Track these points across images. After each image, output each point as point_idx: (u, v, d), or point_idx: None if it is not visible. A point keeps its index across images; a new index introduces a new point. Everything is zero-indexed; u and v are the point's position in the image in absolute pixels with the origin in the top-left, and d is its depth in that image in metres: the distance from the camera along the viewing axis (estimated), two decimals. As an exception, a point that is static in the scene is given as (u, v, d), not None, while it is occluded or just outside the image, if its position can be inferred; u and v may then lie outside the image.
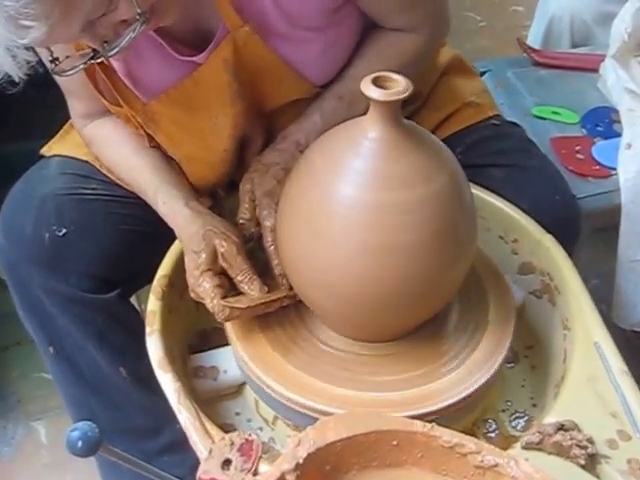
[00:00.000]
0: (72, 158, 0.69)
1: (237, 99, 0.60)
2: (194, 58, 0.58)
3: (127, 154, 0.65)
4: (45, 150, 0.72)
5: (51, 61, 0.52)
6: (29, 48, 0.46)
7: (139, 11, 0.48)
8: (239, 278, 0.55)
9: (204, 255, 0.55)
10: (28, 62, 0.46)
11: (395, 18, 0.62)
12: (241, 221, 0.58)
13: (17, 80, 0.46)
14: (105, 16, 0.48)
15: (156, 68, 0.60)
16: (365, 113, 0.54)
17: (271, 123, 0.65)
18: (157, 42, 0.58)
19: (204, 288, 0.54)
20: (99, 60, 0.51)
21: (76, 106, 0.67)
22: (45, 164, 0.70)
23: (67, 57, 0.53)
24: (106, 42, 0.49)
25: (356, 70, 0.62)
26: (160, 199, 0.62)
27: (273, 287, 0.56)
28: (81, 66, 0.52)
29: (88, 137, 0.68)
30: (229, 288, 0.55)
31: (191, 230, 0.58)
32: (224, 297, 0.54)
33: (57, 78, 0.62)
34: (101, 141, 0.67)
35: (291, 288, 0.55)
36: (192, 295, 0.56)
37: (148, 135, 0.65)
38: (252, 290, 0.55)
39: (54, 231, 0.63)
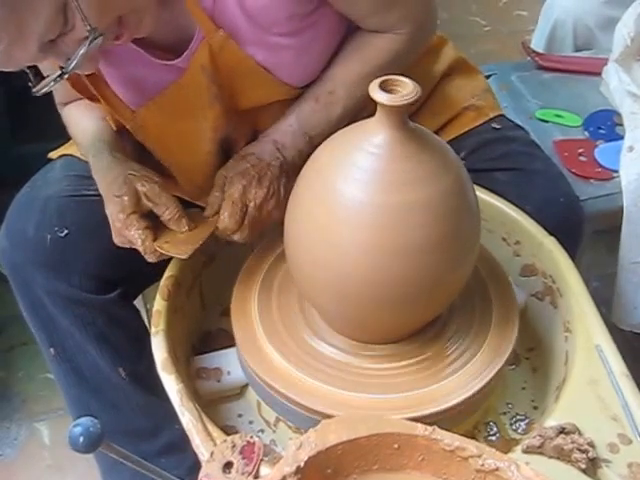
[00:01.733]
0: (76, 157, 0.70)
1: (215, 102, 0.60)
2: (174, 62, 0.59)
3: (85, 124, 0.66)
4: (52, 154, 0.73)
5: (30, 81, 0.53)
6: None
7: (88, 28, 0.48)
8: (166, 216, 0.56)
9: (126, 198, 0.56)
10: None
11: (371, 20, 0.62)
12: (211, 198, 0.59)
13: None
14: (65, 35, 0.48)
15: (142, 74, 0.60)
16: (343, 113, 0.57)
17: (254, 124, 0.66)
18: (138, 51, 0.58)
19: (133, 231, 0.55)
20: (65, 77, 0.52)
21: (57, 95, 0.69)
22: (50, 167, 0.71)
23: (47, 76, 0.53)
24: (69, 59, 0.50)
25: (333, 71, 0.63)
26: (92, 152, 0.63)
27: (200, 223, 0.57)
28: (52, 84, 0.52)
29: (64, 119, 0.70)
30: (156, 228, 0.56)
31: (111, 176, 0.59)
32: (154, 239, 0.55)
33: (42, 68, 0.64)
34: (72, 120, 0.68)
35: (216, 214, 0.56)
36: (117, 240, 0.57)
37: (138, 142, 0.65)
38: (180, 227, 0.56)
39: (56, 232, 0.64)
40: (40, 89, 0.53)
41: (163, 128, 0.63)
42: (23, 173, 0.72)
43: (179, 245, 0.55)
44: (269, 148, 0.61)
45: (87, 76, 0.60)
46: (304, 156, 0.62)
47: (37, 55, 0.48)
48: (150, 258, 0.55)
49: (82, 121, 0.67)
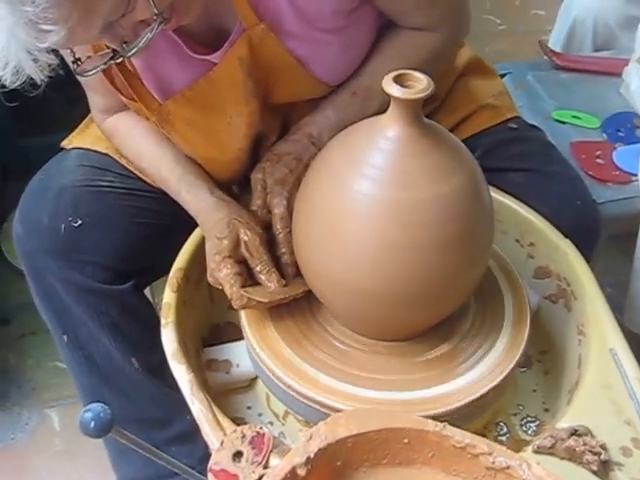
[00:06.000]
0: (91, 150, 0.70)
1: (251, 98, 0.60)
2: (209, 57, 0.59)
3: (149, 145, 0.66)
4: (65, 143, 0.73)
5: (73, 62, 0.53)
6: (51, 50, 0.46)
7: (156, 12, 0.48)
8: (258, 268, 0.56)
9: (227, 242, 0.56)
10: (49, 64, 0.46)
11: (413, 16, 0.62)
12: (254, 208, 0.59)
13: (39, 82, 0.47)
14: (124, 17, 0.48)
15: (172, 67, 0.60)
16: (379, 110, 0.54)
17: (285, 119, 0.65)
18: (174, 40, 0.58)
19: (224, 274, 0.55)
20: (119, 60, 0.52)
21: (96, 100, 0.68)
22: (64, 156, 0.71)
23: (88, 57, 0.54)
24: (125, 42, 0.50)
25: (372, 67, 0.62)
26: (184, 187, 0.62)
27: (289, 280, 0.56)
28: (101, 66, 0.52)
29: (109, 130, 0.69)
30: (247, 277, 0.56)
31: (216, 217, 0.59)
32: (242, 286, 0.55)
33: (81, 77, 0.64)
34: (123, 132, 0.68)
35: (297, 276, 0.55)
36: (210, 280, 0.57)
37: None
38: (270, 282, 0.55)
39: (70, 222, 0.64)
40: (86, 71, 0.53)
41: (190, 122, 0.62)
42: (28, 166, 0.72)
43: (264, 294, 0.55)
44: (305, 144, 0.60)
45: (117, 64, 0.59)
46: None
47: (96, 36, 0.48)
48: (235, 304, 0.54)
49: (142, 141, 0.66)
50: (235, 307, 0.55)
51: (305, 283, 0.55)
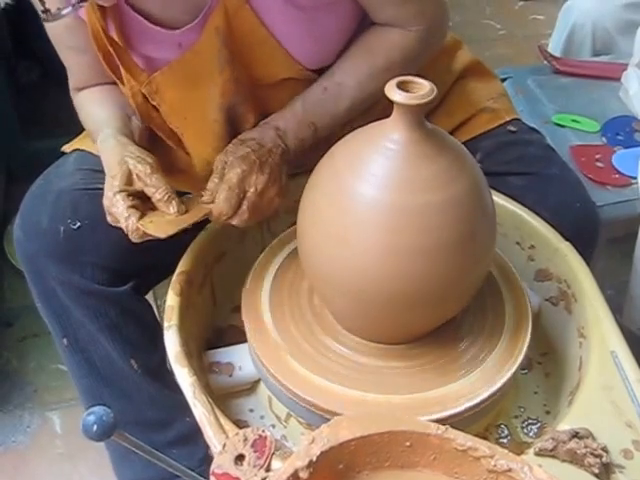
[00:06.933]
0: (90, 153, 0.71)
1: (226, 67, 0.61)
2: (187, 27, 0.59)
3: (96, 112, 0.67)
4: (66, 147, 0.74)
5: (43, 11, 0.54)
6: None
7: None
8: (157, 196, 0.57)
9: (118, 177, 0.57)
10: None
11: (385, 11, 0.62)
12: (210, 184, 0.58)
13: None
14: None
15: (152, 48, 0.61)
16: (351, 107, 0.56)
17: (265, 104, 0.66)
18: (146, 25, 0.59)
19: (117, 209, 0.56)
20: (86, 2, 0.53)
21: (70, 79, 0.70)
22: (63, 161, 0.72)
23: (58, 9, 0.55)
24: None
25: (343, 63, 0.63)
26: (99, 139, 0.63)
27: (192, 208, 0.57)
28: (70, 9, 0.53)
29: (77, 105, 0.70)
30: (147, 210, 0.56)
31: (112, 159, 0.60)
32: (141, 217, 0.55)
33: (60, 54, 0.66)
34: (85, 105, 0.69)
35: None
36: (108, 219, 0.58)
37: (147, 111, 0.65)
38: (169, 209, 0.56)
39: (69, 224, 0.65)
40: (56, 16, 0.54)
41: (178, 93, 0.63)
42: (33, 169, 0.73)
43: (162, 226, 0.55)
44: (270, 134, 0.61)
45: (112, 45, 0.61)
46: (306, 146, 0.62)
47: None
48: (133, 237, 0.55)
49: (94, 108, 0.68)
50: (134, 240, 0.55)
51: (202, 208, 0.56)
